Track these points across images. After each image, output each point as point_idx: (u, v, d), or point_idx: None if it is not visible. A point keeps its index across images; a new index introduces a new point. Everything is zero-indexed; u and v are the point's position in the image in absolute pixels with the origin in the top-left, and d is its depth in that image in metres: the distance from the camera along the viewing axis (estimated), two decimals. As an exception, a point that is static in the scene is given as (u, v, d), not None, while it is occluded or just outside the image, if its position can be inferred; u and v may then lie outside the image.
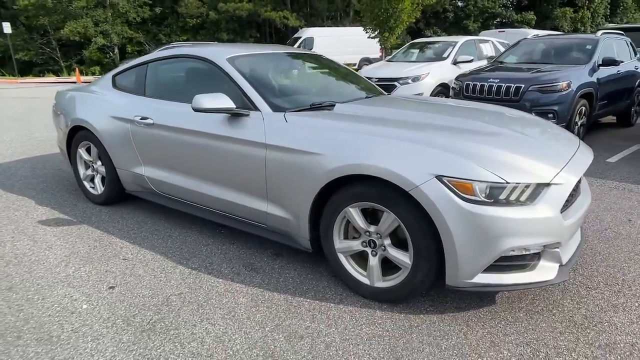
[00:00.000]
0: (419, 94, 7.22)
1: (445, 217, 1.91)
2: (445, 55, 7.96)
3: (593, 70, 5.80)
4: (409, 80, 7.33)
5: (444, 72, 7.62)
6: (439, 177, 1.93)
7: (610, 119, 7.20)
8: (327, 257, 2.41)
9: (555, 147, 2.30)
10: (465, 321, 2.12)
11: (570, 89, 5.34)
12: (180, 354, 1.90)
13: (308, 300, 2.31)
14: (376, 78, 7.51)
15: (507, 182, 1.91)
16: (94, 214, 3.53)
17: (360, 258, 2.37)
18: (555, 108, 5.30)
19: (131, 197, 3.78)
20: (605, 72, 5.99)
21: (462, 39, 8.32)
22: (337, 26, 28.94)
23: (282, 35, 32.48)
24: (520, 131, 2.39)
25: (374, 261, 2.24)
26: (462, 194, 1.90)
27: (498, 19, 31.02)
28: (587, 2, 27.98)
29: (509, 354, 1.89)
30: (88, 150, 3.72)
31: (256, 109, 2.61)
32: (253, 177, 2.56)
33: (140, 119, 3.14)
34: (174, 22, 30.20)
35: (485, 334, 2.02)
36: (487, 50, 8.70)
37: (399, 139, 2.10)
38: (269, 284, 2.46)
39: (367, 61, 21.08)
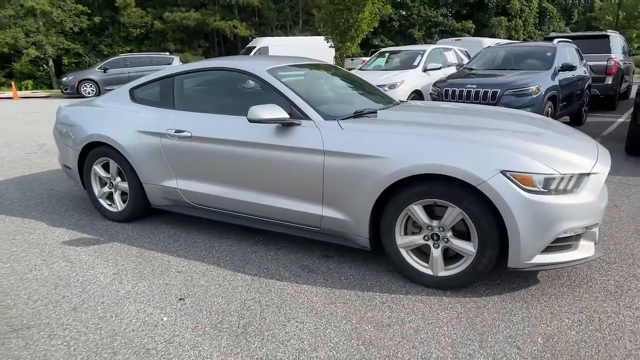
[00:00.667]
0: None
1: (510, 207, 2.20)
2: (415, 63, 8.48)
3: (555, 75, 6.51)
4: (386, 88, 7.73)
5: (416, 79, 8.13)
6: (504, 172, 2.22)
7: (565, 119, 8.04)
8: (389, 253, 2.62)
9: (585, 144, 2.69)
10: (522, 299, 2.42)
11: (539, 92, 5.96)
12: (286, 351, 2.03)
13: (377, 293, 2.51)
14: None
15: (559, 174, 2.24)
16: (119, 232, 3.49)
17: (418, 251, 2.61)
18: (529, 110, 5.89)
19: (151, 213, 3.77)
20: (564, 76, 6.74)
21: (429, 48, 8.91)
22: (287, 35, 29.33)
23: (231, 45, 32.31)
24: (554, 130, 2.76)
25: (437, 253, 2.49)
26: (523, 186, 2.21)
27: (440, 28, 32.91)
28: (519, 11, 30.53)
29: (570, 322, 2.21)
30: (105, 167, 3.67)
31: (307, 117, 2.78)
32: (308, 183, 2.72)
33: (175, 131, 3.18)
34: (116, 33, 29.06)
35: (544, 307, 2.33)
36: (451, 57, 9.36)
37: (460, 140, 2.38)
38: (334, 283, 2.63)
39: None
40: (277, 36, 27.70)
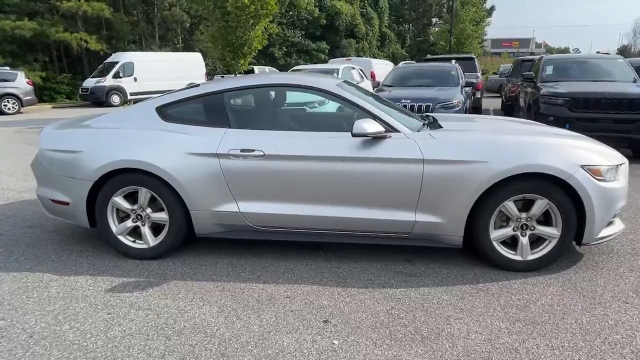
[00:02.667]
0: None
1: (590, 194, 2.76)
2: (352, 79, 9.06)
3: (462, 90, 7.76)
4: (316, 104, 8.04)
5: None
6: (583, 167, 2.77)
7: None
8: (484, 247, 2.93)
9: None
10: (581, 278, 2.99)
11: (460, 105, 7.06)
12: (476, 345, 2.17)
13: (488, 284, 2.80)
14: (286, 103, 7.95)
15: (612, 165, 2.89)
16: (164, 269, 3.03)
17: (503, 242, 2.99)
18: (456, 120, 6.92)
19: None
20: (464, 91, 8.07)
21: (341, 66, 9.59)
22: (143, 50, 27.28)
23: (75, 59, 28.53)
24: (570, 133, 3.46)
25: (525, 240, 2.91)
26: (596, 177, 2.79)
27: (297, 47, 34.74)
28: (365, 34, 34.32)
29: (630, 287, 2.86)
30: (128, 198, 3.14)
31: (394, 130, 2.93)
32: (404, 191, 2.88)
33: (241, 151, 2.96)
34: None
35: (606, 282, 2.92)
36: (356, 75, 10.21)
37: (544, 143, 2.85)
38: (443, 281, 2.83)
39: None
40: (132, 51, 25.55)
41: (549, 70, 7.60)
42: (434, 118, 3.64)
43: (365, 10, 35.84)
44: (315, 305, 2.55)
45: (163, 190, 3.05)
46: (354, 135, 2.80)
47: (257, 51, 13.62)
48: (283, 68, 29.73)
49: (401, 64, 10.28)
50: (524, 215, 2.89)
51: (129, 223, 3.19)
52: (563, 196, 2.79)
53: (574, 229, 2.85)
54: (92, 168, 3.05)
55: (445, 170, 2.82)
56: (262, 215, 3.04)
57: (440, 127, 3.17)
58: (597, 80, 7.10)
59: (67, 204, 3.21)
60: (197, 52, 24.15)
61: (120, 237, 3.20)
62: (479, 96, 10.88)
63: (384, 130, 2.86)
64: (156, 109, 3.22)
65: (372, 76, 13.95)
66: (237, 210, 3.05)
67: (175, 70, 20.33)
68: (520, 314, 2.43)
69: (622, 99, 6.07)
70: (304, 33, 35.75)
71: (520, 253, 2.93)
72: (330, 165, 2.90)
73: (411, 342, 2.20)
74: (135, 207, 3.15)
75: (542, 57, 8.20)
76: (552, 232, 2.88)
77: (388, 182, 2.87)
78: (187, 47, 29.20)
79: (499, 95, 15.66)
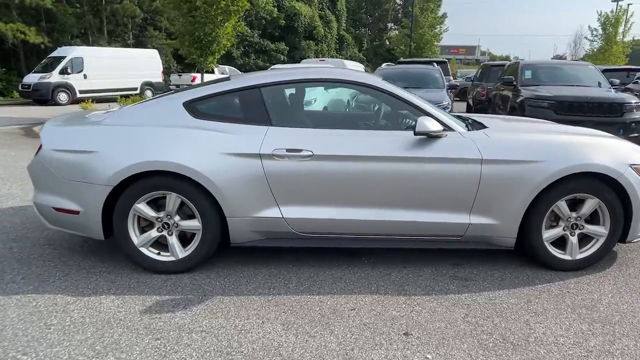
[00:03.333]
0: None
1: (637, 192, 2.80)
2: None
3: (447, 91, 7.89)
4: (348, 101, 7.86)
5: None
6: (631, 166, 2.80)
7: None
8: (535, 248, 2.90)
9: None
10: (627, 275, 3.05)
11: (450, 107, 7.16)
12: (568, 350, 2.10)
13: (546, 285, 2.76)
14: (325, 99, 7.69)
15: (648, 163, 2.96)
16: (201, 284, 2.73)
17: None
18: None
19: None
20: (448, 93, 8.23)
21: (329, 67, 9.42)
22: (89, 45, 25.66)
23: (12, 52, 26.31)
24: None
25: (574, 240, 2.91)
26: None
27: (255, 47, 34.19)
28: (324, 37, 34.42)
29: (672, 274, 2.94)
30: (151, 204, 2.80)
31: (450, 129, 2.83)
32: (460, 192, 2.78)
33: (287, 151, 2.72)
34: None
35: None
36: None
37: (594, 143, 2.86)
38: (502, 284, 2.76)
39: (151, 86, 19.77)
40: (77, 45, 23.93)
41: (528, 74, 7.91)
42: (471, 118, 3.59)
43: (323, 13, 35.98)
44: (385, 316, 2.38)
45: (196, 195, 2.74)
46: (416, 133, 2.67)
47: (225, 49, 13.14)
48: (241, 68, 29.07)
49: (384, 65, 10.31)
50: (574, 214, 2.89)
51: (154, 233, 2.84)
52: (613, 195, 2.82)
53: (621, 227, 2.89)
54: (112, 171, 2.68)
55: (503, 170, 2.76)
56: (307, 221, 2.82)
57: (486, 126, 3.11)
58: (573, 85, 7.48)
59: (77, 212, 2.80)
60: (151, 48, 23.03)
61: (143, 250, 2.84)
62: (451, 98, 11.15)
63: (442, 129, 2.75)
64: (184, 104, 2.90)
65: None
66: (280, 216, 2.81)
67: (129, 67, 19.23)
68: (593, 315, 2.41)
69: (603, 103, 6.41)
70: (261, 33, 35.27)
71: (570, 252, 2.93)
72: (386, 166, 2.74)
73: (504, 350, 2.09)
74: (161, 214, 2.81)
75: (519, 62, 8.52)
76: (601, 230, 2.90)
77: (445, 182, 2.76)
78: (139, 44, 27.78)
79: (459, 99, 16.19)
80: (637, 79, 8.65)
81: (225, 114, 2.90)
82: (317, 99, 4.17)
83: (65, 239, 3.41)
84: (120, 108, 3.04)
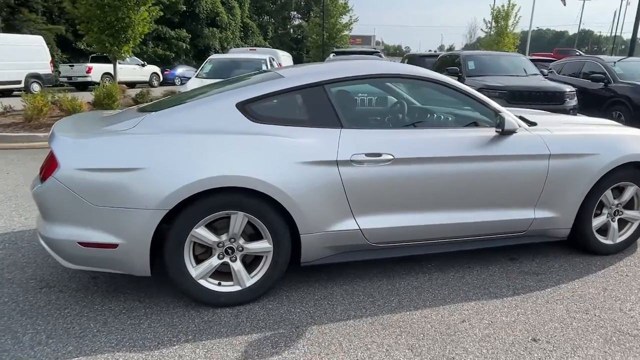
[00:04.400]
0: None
1: (668, 178, 3.12)
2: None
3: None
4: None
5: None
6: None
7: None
8: (585, 236, 3.06)
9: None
10: (647, 243, 3.41)
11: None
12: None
13: (605, 272, 2.94)
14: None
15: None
16: (277, 317, 2.39)
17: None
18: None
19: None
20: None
21: (266, 57, 8.99)
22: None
23: None
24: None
25: (615, 225, 3.16)
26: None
27: (153, 34, 31.65)
28: (228, 24, 33.08)
29: (685, 247, 3.35)
30: (209, 227, 2.37)
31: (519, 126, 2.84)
32: (529, 188, 2.82)
33: (366, 156, 2.49)
34: None
35: (663, 244, 3.39)
36: (276, 66, 9.73)
37: (631, 135, 3.09)
38: (571, 276, 2.87)
39: (38, 79, 17.14)
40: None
41: (471, 65, 8.45)
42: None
43: (225, -1, 34.58)
44: (499, 323, 2.32)
45: (267, 212, 2.38)
46: (504, 132, 2.62)
47: (142, 37, 11.84)
48: (139, 56, 26.65)
49: (331, 56, 10.14)
50: (616, 201, 3.12)
51: (214, 261, 2.41)
52: (648, 181, 3.11)
53: (651, 212, 3.20)
54: (167, 191, 2.20)
55: (566, 164, 2.86)
56: (384, 231, 2.63)
57: (534, 122, 3.19)
58: (512, 75, 8.17)
59: (113, 246, 2.25)
60: (28, 34, 19.85)
61: (202, 282, 2.40)
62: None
63: (519, 126, 2.75)
64: (237, 105, 2.49)
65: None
66: (357, 228, 2.57)
67: (9, 56, 16.40)
68: (665, 295, 2.63)
69: (548, 92, 7.11)
70: (159, 19, 32.79)
71: (612, 237, 3.16)
72: (466, 167, 2.66)
73: (631, 342, 2.17)
74: (222, 238, 2.40)
75: (460, 53, 9.05)
76: (636, 215, 3.18)
77: (517, 179, 2.78)
78: (10, 28, 23.87)
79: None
80: (550, 70, 9.76)
81: (288, 117, 2.55)
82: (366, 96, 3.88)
83: (63, 278, 2.76)
84: (150, 113, 2.49)
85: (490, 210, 2.81)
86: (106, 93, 9.19)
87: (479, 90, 7.25)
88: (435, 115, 2.91)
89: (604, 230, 3.17)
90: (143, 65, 22.92)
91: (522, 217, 2.88)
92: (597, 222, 3.10)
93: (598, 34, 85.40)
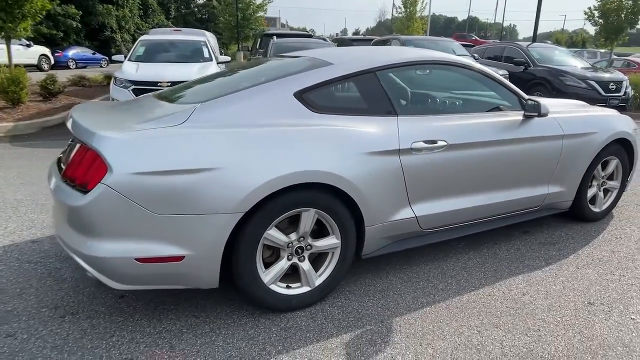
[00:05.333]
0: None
1: (637, 150, 3.61)
2: (206, 55, 7.89)
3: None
4: None
5: (213, 72, 7.64)
6: (634, 129, 3.57)
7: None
8: (582, 206, 3.44)
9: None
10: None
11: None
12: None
13: (598, 235, 3.34)
14: (167, 82, 6.56)
15: (633, 126, 3.83)
16: (356, 316, 2.33)
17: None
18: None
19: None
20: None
21: (201, 39, 8.40)
22: None
23: None
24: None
25: (601, 194, 3.59)
26: (638, 136, 3.66)
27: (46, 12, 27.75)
28: (125, 1, 30.18)
29: None
30: (277, 228, 2.21)
31: (533, 109, 3.06)
32: (547, 166, 3.08)
33: (424, 143, 2.50)
34: None
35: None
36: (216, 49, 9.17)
37: (615, 115, 3.50)
38: (589, 245, 3.21)
39: None
40: None
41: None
42: None
43: (120, -28, 31.45)
44: (555, 292, 2.52)
45: (337, 207, 2.29)
46: (540, 115, 2.80)
47: (43, 13, 10.29)
48: (20, 37, 23.22)
49: (275, 39, 9.66)
50: (603, 174, 3.54)
51: (284, 263, 2.26)
52: (625, 154, 3.56)
53: (626, 180, 3.69)
54: (244, 192, 1.99)
55: (575, 142, 3.16)
56: (436, 216, 2.68)
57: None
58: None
59: (179, 258, 2.00)
60: None
61: (273, 287, 2.24)
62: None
63: (547, 110, 2.97)
64: (295, 95, 2.31)
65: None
66: (413, 215, 2.59)
67: None
68: (659, 252, 3.07)
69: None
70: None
71: (599, 205, 3.60)
72: (503, 149, 2.81)
73: (663, 297, 2.51)
74: (292, 238, 2.25)
75: (398, 38, 9.34)
76: (616, 184, 3.65)
77: (540, 158, 3.01)
78: None
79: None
80: (476, 56, 10.57)
81: (345, 106, 2.44)
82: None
83: (81, 302, 2.38)
84: (196, 105, 2.20)
85: (518, 188, 3.01)
86: (11, 79, 7.91)
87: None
88: (470, 100, 3.01)
89: (592, 200, 3.59)
90: (28, 46, 20.07)
91: (540, 192, 3.13)
92: (590, 193, 3.50)
93: (486, 20, 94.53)
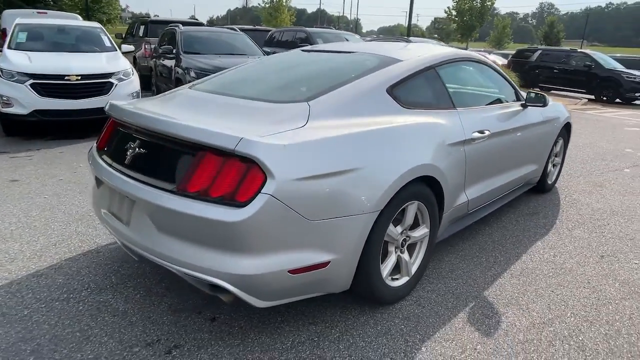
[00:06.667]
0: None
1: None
2: (107, 43, 6.94)
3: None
4: (115, 80, 6.18)
5: (125, 63, 6.83)
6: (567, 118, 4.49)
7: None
8: (544, 180, 4.21)
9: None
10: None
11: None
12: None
13: (560, 202, 4.15)
14: (76, 75, 5.68)
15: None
16: (452, 302, 2.55)
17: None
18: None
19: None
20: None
21: (95, 25, 7.35)
22: None
23: None
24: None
25: (555, 169, 4.43)
26: (570, 120, 4.61)
27: None
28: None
29: (570, 179, 4.98)
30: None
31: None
32: (539, 147, 3.76)
33: (479, 133, 2.83)
34: None
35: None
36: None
37: (560, 103, 4.32)
38: (554, 213, 3.94)
39: None
40: None
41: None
42: None
43: None
44: (581, 256, 3.10)
45: (431, 197, 2.47)
46: (545, 104, 3.36)
47: None
48: None
49: (182, 27, 8.65)
50: (555, 150, 4.38)
51: (394, 256, 2.36)
52: (566, 134, 4.47)
53: (564, 156, 4.62)
54: (381, 189, 2.04)
55: (549, 126, 3.88)
56: (479, 198, 3.05)
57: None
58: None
59: (325, 265, 1.96)
60: None
61: (388, 281, 2.32)
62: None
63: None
64: (387, 90, 2.39)
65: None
66: (466, 200, 2.91)
67: None
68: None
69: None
70: None
71: (551, 178, 4.44)
72: (520, 134, 3.34)
73: (634, 241, 3.30)
74: (399, 231, 2.36)
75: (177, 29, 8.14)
76: (559, 160, 4.55)
77: (536, 140, 3.65)
78: None
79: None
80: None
81: (420, 100, 2.61)
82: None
83: (170, 331, 2.13)
84: (296, 102, 2.10)
85: (523, 166, 3.62)
86: None
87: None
88: (490, 93, 3.43)
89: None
90: None
91: (531, 169, 3.78)
92: (549, 168, 4.30)
93: (336, 13, 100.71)
